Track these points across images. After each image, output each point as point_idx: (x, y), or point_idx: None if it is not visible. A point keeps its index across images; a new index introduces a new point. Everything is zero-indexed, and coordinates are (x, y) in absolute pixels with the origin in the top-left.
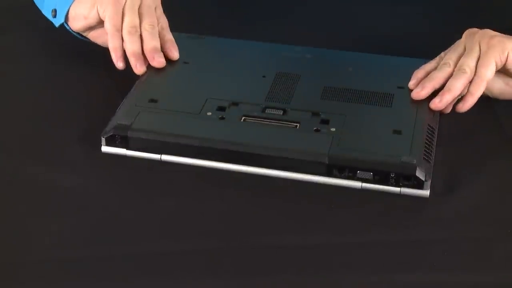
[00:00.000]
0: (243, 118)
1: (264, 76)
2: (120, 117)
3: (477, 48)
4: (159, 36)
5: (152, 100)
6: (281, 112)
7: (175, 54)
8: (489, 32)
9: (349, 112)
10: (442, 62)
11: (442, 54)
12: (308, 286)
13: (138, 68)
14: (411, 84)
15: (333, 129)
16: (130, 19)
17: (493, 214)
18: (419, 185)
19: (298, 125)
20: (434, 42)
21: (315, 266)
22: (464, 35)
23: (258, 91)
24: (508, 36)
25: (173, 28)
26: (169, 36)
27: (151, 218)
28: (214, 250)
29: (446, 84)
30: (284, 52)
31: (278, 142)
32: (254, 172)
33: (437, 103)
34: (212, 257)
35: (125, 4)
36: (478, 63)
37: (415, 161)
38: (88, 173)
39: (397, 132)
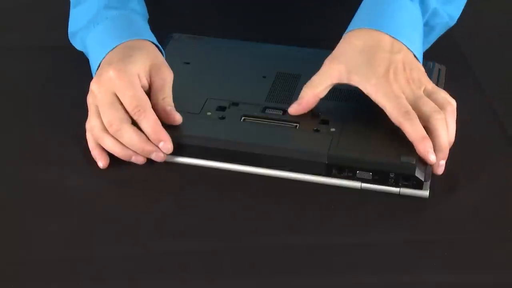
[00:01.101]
0: (243, 118)
1: (264, 77)
2: None
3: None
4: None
5: None
6: (281, 112)
7: (176, 118)
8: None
9: (348, 112)
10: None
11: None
12: (307, 286)
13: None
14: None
15: (332, 129)
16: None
17: (493, 214)
18: (419, 185)
19: (297, 125)
20: (435, 43)
21: (314, 266)
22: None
23: (259, 91)
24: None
25: (173, 28)
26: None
27: (151, 218)
28: (214, 250)
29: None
30: (285, 53)
31: (278, 142)
32: (254, 172)
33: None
34: (212, 257)
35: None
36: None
37: (414, 162)
38: (88, 173)
39: (397, 132)
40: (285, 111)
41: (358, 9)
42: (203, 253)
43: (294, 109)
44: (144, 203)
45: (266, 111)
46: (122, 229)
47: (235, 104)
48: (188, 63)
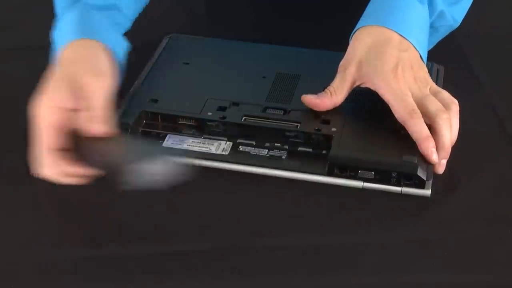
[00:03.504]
0: (244, 117)
1: (264, 77)
2: (121, 116)
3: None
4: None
5: (153, 100)
6: (281, 112)
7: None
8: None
9: (349, 112)
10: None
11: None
12: (307, 286)
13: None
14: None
15: (334, 129)
16: None
17: (493, 214)
18: (421, 184)
19: (298, 125)
20: (436, 44)
21: (315, 266)
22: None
23: (259, 91)
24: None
25: (173, 28)
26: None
27: (150, 218)
28: (214, 250)
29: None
30: (285, 53)
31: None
32: (254, 172)
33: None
34: (212, 257)
35: None
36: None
37: (416, 161)
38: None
39: (398, 131)
40: (285, 111)
41: (367, 7)
42: (203, 253)
43: (313, 102)
44: (144, 203)
45: (266, 111)
46: (122, 229)
47: (235, 104)
48: (187, 63)
